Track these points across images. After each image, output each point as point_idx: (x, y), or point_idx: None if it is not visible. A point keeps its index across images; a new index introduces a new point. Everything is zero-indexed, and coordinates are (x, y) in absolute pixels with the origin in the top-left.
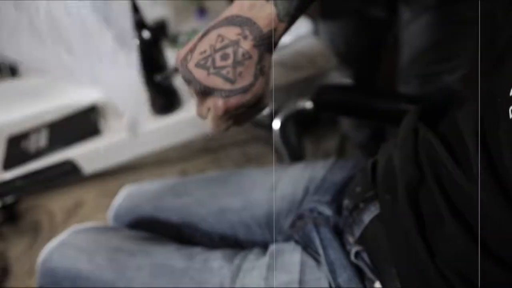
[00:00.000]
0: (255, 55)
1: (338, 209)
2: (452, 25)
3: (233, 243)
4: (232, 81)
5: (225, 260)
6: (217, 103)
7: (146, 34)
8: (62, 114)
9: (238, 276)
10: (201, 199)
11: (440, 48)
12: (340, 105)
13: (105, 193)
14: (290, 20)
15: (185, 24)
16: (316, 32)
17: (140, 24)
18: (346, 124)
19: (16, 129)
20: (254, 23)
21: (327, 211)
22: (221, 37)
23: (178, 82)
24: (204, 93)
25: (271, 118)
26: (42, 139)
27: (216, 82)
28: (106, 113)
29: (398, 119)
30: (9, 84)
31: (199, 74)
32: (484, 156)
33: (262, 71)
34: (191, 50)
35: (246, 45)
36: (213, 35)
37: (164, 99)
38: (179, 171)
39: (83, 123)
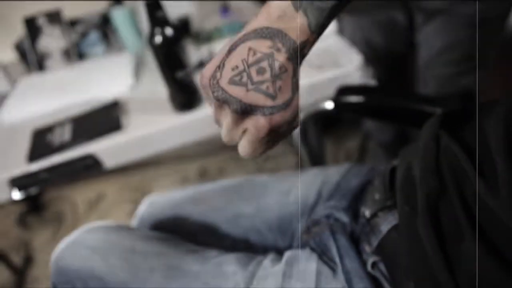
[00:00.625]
0: (290, 68)
1: (355, 216)
2: (468, 27)
3: (246, 248)
4: (273, 97)
5: (240, 266)
6: (259, 122)
7: (169, 31)
8: (86, 109)
9: (252, 283)
10: (216, 205)
11: (456, 49)
12: (361, 107)
13: (126, 186)
14: (320, 31)
15: (208, 22)
16: (340, 31)
17: (163, 21)
18: (369, 123)
19: (42, 123)
20: (286, 34)
21: (344, 217)
22: (252, 50)
23: (198, 80)
24: (244, 112)
25: None
26: (66, 133)
27: (257, 99)
28: (128, 109)
29: (421, 121)
30: (36, 78)
31: (237, 92)
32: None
33: (297, 84)
34: (219, 67)
35: (281, 57)
36: (243, 49)
37: (185, 96)
38: (199, 168)
39: (105, 118)
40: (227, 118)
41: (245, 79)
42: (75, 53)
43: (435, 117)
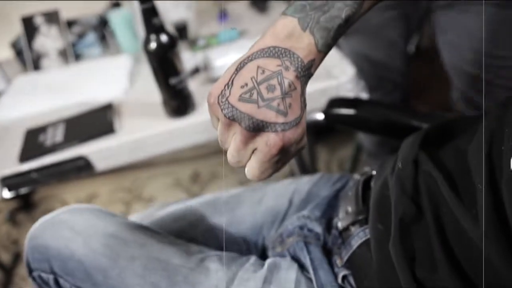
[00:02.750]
0: (298, 86)
1: (328, 226)
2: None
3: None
4: (285, 114)
5: (222, 264)
6: (271, 139)
7: (164, 38)
8: (80, 110)
9: (233, 283)
10: (194, 220)
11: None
12: (350, 119)
13: (119, 187)
14: (327, 50)
15: (205, 27)
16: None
17: (159, 28)
18: (361, 134)
19: (35, 123)
20: (294, 53)
21: (317, 228)
22: (261, 68)
23: (193, 86)
24: (255, 129)
25: None
26: (58, 134)
27: (269, 115)
28: (122, 112)
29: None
30: (32, 77)
31: (248, 108)
32: (492, 205)
33: (305, 103)
34: (228, 85)
35: (290, 76)
36: (252, 67)
37: (178, 102)
38: (192, 171)
39: (98, 121)
40: (235, 138)
41: (255, 96)
42: (72, 54)
43: (416, 135)
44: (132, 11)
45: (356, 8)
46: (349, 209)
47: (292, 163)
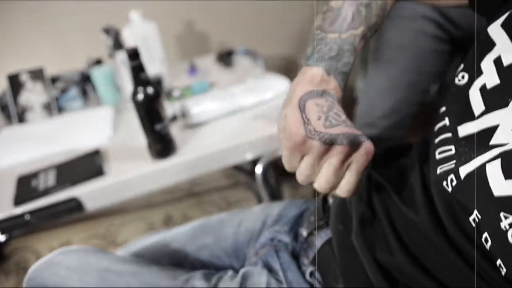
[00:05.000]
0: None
1: (295, 236)
2: None
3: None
4: (357, 129)
5: (204, 280)
6: (366, 147)
7: (150, 90)
8: (68, 157)
9: None
10: (184, 242)
11: None
12: None
13: (92, 234)
14: (345, 88)
15: (178, 80)
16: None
17: (145, 81)
18: None
19: (25, 170)
20: (329, 93)
21: (286, 238)
22: (318, 105)
23: (174, 130)
24: (353, 143)
25: (253, 164)
26: (50, 179)
27: (354, 130)
28: (109, 156)
29: None
30: (17, 129)
31: (339, 130)
32: (428, 204)
33: None
34: (305, 123)
35: (338, 106)
36: (311, 105)
37: (162, 146)
38: (164, 215)
39: (88, 165)
40: (332, 161)
41: (334, 121)
42: (55, 107)
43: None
44: (115, 66)
45: (354, 54)
46: (312, 218)
47: (263, 196)
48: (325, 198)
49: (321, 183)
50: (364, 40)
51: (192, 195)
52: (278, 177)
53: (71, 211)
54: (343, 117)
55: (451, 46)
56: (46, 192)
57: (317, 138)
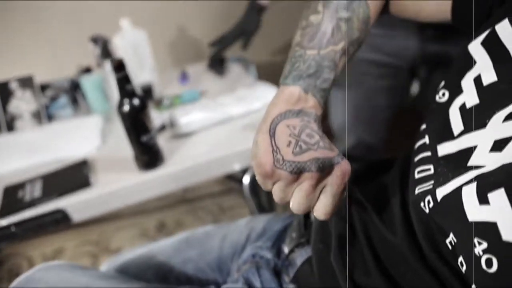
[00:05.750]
0: (321, 132)
1: (278, 252)
2: None
3: (192, 284)
4: (333, 149)
5: None
6: (340, 168)
7: (136, 101)
8: (55, 167)
9: None
10: (169, 255)
11: None
12: None
13: (85, 240)
14: (325, 105)
15: (169, 89)
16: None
17: (131, 93)
18: None
19: (12, 180)
20: (307, 112)
21: (268, 254)
22: (291, 126)
23: (160, 141)
24: (324, 168)
25: (243, 173)
26: (36, 189)
27: (326, 153)
28: (96, 167)
29: None
30: (6, 138)
31: (308, 155)
32: (406, 224)
33: None
34: (274, 151)
35: (314, 125)
36: (283, 128)
37: (148, 157)
38: (157, 221)
39: (75, 176)
40: (303, 186)
41: (304, 146)
42: (45, 115)
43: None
44: (103, 75)
45: (335, 71)
46: (293, 235)
47: (253, 206)
48: (307, 214)
49: (294, 207)
50: (346, 55)
51: (185, 201)
52: None
53: (57, 223)
54: (316, 137)
55: (400, 75)
56: (32, 203)
57: (285, 168)
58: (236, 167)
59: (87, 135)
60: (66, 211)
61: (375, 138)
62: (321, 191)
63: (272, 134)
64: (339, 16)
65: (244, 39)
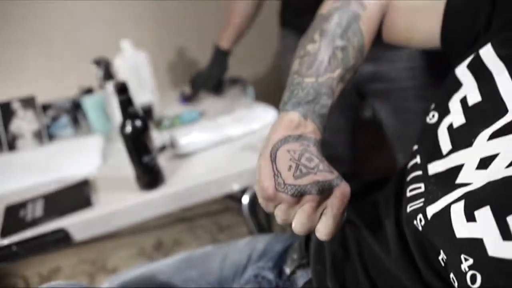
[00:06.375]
0: (320, 156)
1: (279, 273)
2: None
3: None
4: (332, 172)
5: None
6: (341, 190)
7: (138, 123)
8: (57, 187)
9: None
10: (169, 275)
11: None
12: None
13: (82, 259)
14: (323, 130)
15: (168, 109)
16: None
17: (133, 114)
18: None
19: (14, 199)
20: (306, 136)
21: (270, 275)
22: (291, 151)
23: (161, 161)
24: (324, 191)
25: (242, 193)
26: (38, 209)
27: (326, 176)
28: (98, 187)
29: None
30: (7, 158)
31: (308, 179)
32: (400, 242)
33: None
34: (276, 175)
35: (314, 149)
36: (283, 153)
37: (149, 177)
38: (155, 240)
39: (76, 195)
40: (305, 208)
41: (304, 169)
42: (46, 135)
43: None
44: (105, 96)
45: (332, 97)
46: (295, 256)
47: (251, 225)
48: (308, 236)
49: (296, 228)
50: (342, 82)
51: (183, 220)
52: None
53: (59, 242)
54: (316, 161)
55: (348, 96)
56: (34, 223)
57: (286, 192)
58: (235, 187)
59: (88, 155)
60: (67, 230)
61: (341, 152)
62: (322, 213)
63: (273, 159)
64: (335, 45)
65: (214, 83)
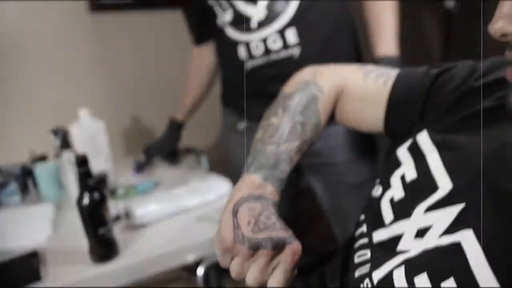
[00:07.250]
0: (277, 215)
1: None
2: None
3: None
4: (287, 230)
5: None
6: (293, 248)
7: (96, 195)
8: (4, 258)
9: None
10: None
11: None
12: None
13: None
14: (280, 192)
15: (123, 177)
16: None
17: (92, 187)
18: None
19: None
20: (265, 197)
21: None
22: (251, 208)
23: (117, 231)
24: (277, 246)
25: (197, 264)
26: None
27: (281, 233)
28: (47, 259)
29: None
30: None
31: (266, 234)
32: None
33: None
34: (236, 228)
35: (272, 208)
36: (245, 209)
37: (104, 249)
38: None
39: (24, 268)
40: (259, 261)
41: (262, 225)
42: None
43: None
44: (60, 164)
45: (291, 164)
46: None
47: None
48: None
49: (249, 281)
50: (300, 152)
51: None
52: (219, 277)
53: None
54: (273, 219)
55: None
56: None
57: (244, 243)
58: (190, 258)
59: (38, 225)
60: None
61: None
62: (274, 268)
63: (234, 213)
64: (295, 119)
65: (167, 152)
